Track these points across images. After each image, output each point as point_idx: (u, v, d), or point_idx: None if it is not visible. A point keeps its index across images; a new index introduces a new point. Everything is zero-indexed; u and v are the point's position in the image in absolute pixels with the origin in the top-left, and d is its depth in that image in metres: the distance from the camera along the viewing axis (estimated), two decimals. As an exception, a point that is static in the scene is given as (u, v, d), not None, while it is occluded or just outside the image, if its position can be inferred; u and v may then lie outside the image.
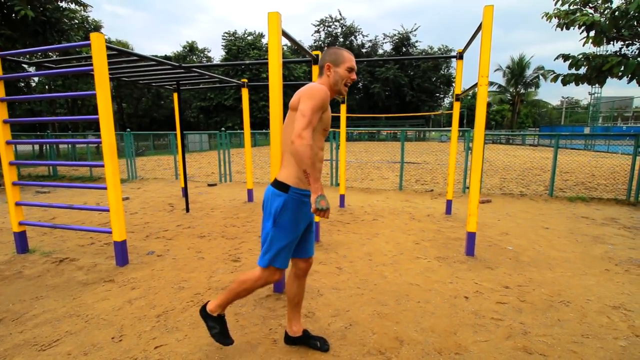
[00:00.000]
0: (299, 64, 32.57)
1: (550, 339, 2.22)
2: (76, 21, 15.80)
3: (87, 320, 2.49)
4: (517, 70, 34.46)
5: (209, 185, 8.81)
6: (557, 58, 6.20)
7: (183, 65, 4.13)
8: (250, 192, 6.65)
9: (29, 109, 23.63)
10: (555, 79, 6.33)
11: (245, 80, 6.00)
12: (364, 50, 43.09)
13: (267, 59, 2.60)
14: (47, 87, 23.66)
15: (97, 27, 21.57)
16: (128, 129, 10.10)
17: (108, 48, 3.14)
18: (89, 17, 19.14)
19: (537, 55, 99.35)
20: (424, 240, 4.20)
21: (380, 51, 43.52)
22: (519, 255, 3.71)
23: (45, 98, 3.40)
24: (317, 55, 3.69)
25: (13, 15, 6.82)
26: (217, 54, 61.34)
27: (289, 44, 3.26)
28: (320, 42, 43.11)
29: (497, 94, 37.31)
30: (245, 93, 6.11)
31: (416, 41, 42.19)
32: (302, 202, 1.82)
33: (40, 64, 3.86)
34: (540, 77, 33.22)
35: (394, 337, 2.24)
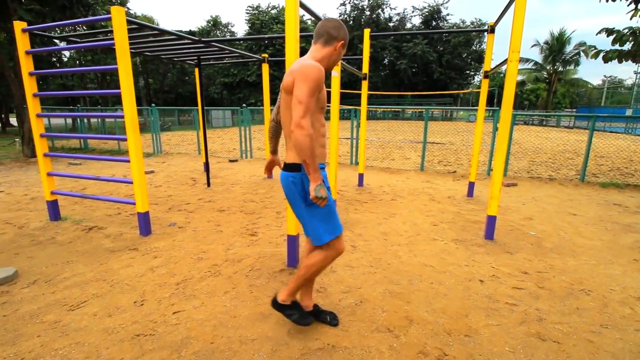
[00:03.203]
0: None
1: (567, 327, 2.16)
2: (104, -5, 15.97)
3: (112, 285, 2.64)
4: (556, 46, 32.11)
5: (230, 161, 8.95)
6: (599, 32, 5.71)
7: (202, 39, 4.10)
8: (269, 169, 6.71)
9: (61, 84, 24.55)
10: (596, 56, 5.87)
11: (266, 56, 5.92)
12: (391, 24, 41.42)
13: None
14: (77, 62, 24.38)
15: (123, 2, 21.75)
16: (153, 104, 10.32)
17: (128, 22, 3.15)
18: (115, -9, 19.27)
19: (579, 30, 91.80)
20: (442, 222, 4.13)
21: (409, 25, 41.69)
22: (542, 241, 3.59)
23: (68, 72, 3.49)
24: (338, 29, 3.56)
25: (42, -11, 6.99)
26: (240, 29, 60.78)
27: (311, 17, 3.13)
28: (345, 16, 41.72)
29: (533, 71, 35.07)
30: (265, 68, 6.04)
31: (447, 14, 40.10)
32: None
33: (66, 39, 3.95)
34: (582, 53, 30.84)
35: (403, 316, 2.25)
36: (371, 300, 2.43)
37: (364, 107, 5.57)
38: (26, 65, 3.56)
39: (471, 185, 5.35)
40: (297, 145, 1.62)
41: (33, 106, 3.68)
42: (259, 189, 5.75)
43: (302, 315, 2.03)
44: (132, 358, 1.86)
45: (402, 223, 4.08)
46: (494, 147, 7.09)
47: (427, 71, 38.77)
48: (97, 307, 2.35)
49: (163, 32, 3.67)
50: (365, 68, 5.28)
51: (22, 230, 3.80)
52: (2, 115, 23.06)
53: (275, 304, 2.05)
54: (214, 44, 4.50)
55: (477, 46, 39.55)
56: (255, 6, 36.17)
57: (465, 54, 39.32)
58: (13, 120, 25.98)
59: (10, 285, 2.64)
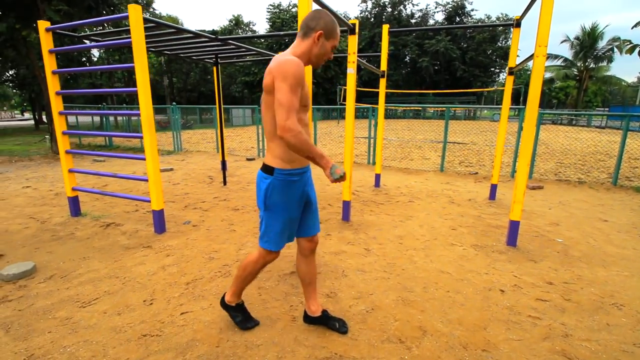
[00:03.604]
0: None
1: (595, 344, 1.99)
2: (129, -4, 16.42)
3: (124, 283, 2.66)
4: (587, 42, 30.52)
5: (248, 159, 9.00)
6: (635, 26, 5.34)
7: (219, 37, 4.10)
8: (285, 168, 6.68)
9: (90, 83, 25.45)
10: (631, 51, 5.50)
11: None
12: (413, 21, 40.72)
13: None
14: (106, 61, 25.21)
15: (149, 3, 22.31)
16: (174, 103, 10.51)
17: (146, 20, 3.17)
18: (141, -8, 19.79)
19: (613, 25, 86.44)
20: (462, 226, 3.96)
21: (431, 22, 40.85)
22: (569, 248, 3.37)
23: (88, 71, 3.57)
24: (354, 25, 3.46)
25: (70, -9, 7.26)
26: (262, 28, 61.26)
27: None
28: (367, 13, 41.32)
29: (562, 68, 33.55)
30: (283, 67, 6.01)
31: (472, 10, 39.11)
32: (289, 183, 1.76)
33: (88, 37, 4.04)
34: (615, 49, 29.15)
35: (417, 325, 2.14)
36: (383, 307, 2.33)
37: (381, 105, 5.43)
38: (49, 63, 3.65)
39: (493, 188, 5.13)
40: (292, 147, 1.57)
41: (55, 104, 3.77)
42: (274, 188, 5.72)
43: (246, 318, 2.10)
44: (137, 359, 1.85)
45: (418, 226, 3.95)
46: (519, 147, 6.79)
47: (449, 69, 37.87)
48: (107, 304, 2.37)
49: (180, 30, 3.68)
50: (384, 65, 5.15)
51: (44, 225, 3.91)
52: (36, 113, 24.19)
53: (222, 304, 2.12)
54: (230, 42, 4.49)
55: (503, 42, 38.26)
56: (276, 4, 36.37)
57: (490, 51, 38.12)
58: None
59: (28, 279, 2.70)
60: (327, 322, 2.09)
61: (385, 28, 5.07)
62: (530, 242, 3.50)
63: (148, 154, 3.36)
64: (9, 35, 7.84)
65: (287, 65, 1.53)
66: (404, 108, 29.71)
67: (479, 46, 37.16)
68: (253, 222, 4.03)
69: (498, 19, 37.60)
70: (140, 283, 2.66)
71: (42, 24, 3.54)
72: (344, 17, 40.98)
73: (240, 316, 2.09)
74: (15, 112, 48.84)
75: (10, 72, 22.21)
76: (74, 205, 4.13)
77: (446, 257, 3.14)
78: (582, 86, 32.14)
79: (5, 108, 47.99)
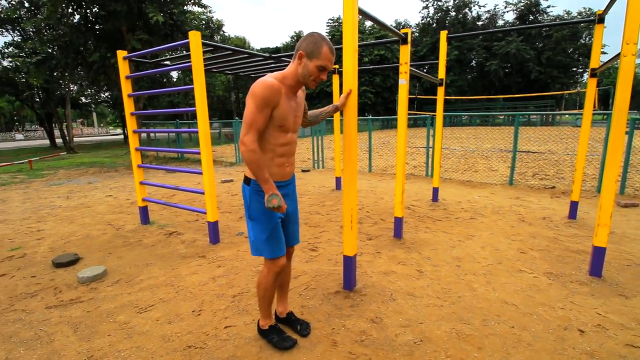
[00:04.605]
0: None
1: None
2: (204, 22, 18.05)
3: (178, 291, 2.80)
4: (700, 32, 25.86)
5: (303, 171, 9.14)
6: None
7: (271, 55, 4.25)
8: (338, 180, 6.63)
9: (169, 101, 28.38)
10: None
11: (337, 67, 5.88)
12: (479, 23, 38.48)
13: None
14: (182, 81, 27.90)
15: (219, 26, 24.23)
16: (236, 117, 11.16)
17: (204, 44, 3.38)
18: (213, 17, 21.58)
19: None
20: (533, 250, 3.50)
21: (501, 22, 38.20)
22: (675, 283, 2.77)
23: (155, 93, 3.91)
24: (406, 34, 3.31)
25: (150, 21, 8.21)
26: (322, 41, 62.69)
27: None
28: (428, 19, 40.12)
29: (665, 64, 28.83)
30: (336, 80, 6.02)
31: (548, 6, 35.64)
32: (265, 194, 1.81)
33: (159, 63, 4.47)
34: None
35: (472, 365, 1.89)
36: (434, 339, 2.12)
37: (439, 114, 5.12)
38: (126, 88, 4.09)
39: (574, 205, 4.48)
40: (244, 160, 1.70)
41: (130, 123, 4.20)
42: (326, 201, 5.70)
43: (282, 338, 2.07)
44: (179, 371, 1.90)
45: (480, 247, 3.58)
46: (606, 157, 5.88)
47: (522, 71, 34.85)
48: (161, 312, 2.50)
49: (236, 52, 3.88)
50: (442, 73, 4.86)
51: (118, 231, 4.34)
52: (124, 129, 27.63)
53: (259, 331, 2.16)
54: (284, 59, 4.62)
55: (587, 39, 34.19)
56: (335, 18, 37.10)
57: (570, 49, 34.29)
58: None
59: (99, 282, 2.99)
60: (292, 323, 2.21)
61: (443, 34, 4.80)
62: (620, 273, 2.95)
63: (204, 169, 3.56)
64: (101, 63, 9.07)
65: (256, 86, 1.66)
66: (469, 115, 28.02)
67: (558, 45, 33.65)
68: (302, 236, 4.02)
69: (580, 14, 33.74)
70: (192, 293, 2.77)
71: (120, 54, 3.99)
72: (403, 25, 40.14)
73: (276, 337, 2.08)
74: (110, 127, 56.40)
75: (105, 94, 25.72)
76: (144, 214, 4.53)
77: (512, 285, 2.78)
78: (693, 83, 27.16)
79: (102, 124, 55.76)
